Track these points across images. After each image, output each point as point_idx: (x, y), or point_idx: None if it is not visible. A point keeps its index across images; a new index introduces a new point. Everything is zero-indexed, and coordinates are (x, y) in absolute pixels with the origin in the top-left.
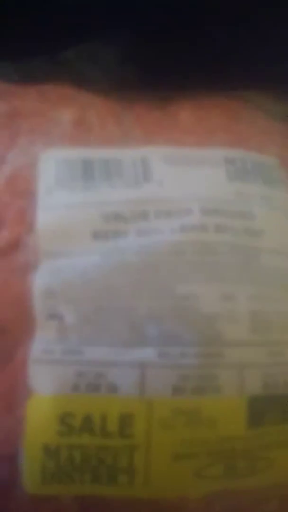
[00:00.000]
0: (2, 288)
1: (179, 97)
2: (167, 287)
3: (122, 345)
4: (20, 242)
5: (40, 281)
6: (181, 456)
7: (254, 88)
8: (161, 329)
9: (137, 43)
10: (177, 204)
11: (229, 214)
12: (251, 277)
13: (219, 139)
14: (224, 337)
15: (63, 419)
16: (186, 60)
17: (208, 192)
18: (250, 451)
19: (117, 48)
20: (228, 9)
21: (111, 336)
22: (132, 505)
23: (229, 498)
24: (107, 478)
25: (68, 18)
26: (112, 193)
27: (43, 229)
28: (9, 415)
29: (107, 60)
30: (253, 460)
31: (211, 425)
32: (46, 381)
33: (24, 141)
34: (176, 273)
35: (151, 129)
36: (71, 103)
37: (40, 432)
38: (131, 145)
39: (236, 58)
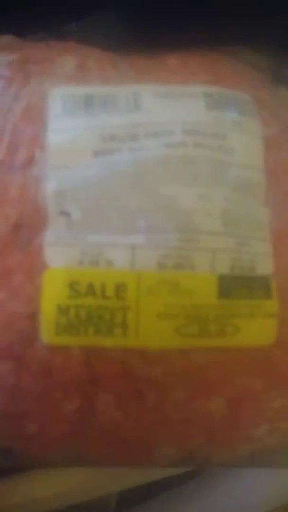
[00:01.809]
0: (20, 194)
1: (169, 49)
2: (154, 189)
3: (117, 233)
4: (34, 159)
5: (51, 186)
6: (164, 316)
7: (240, 44)
8: (148, 221)
9: (135, 11)
10: (162, 126)
11: (205, 135)
12: (223, 184)
13: (200, 79)
14: (200, 227)
15: (72, 286)
16: (179, 21)
17: (189, 117)
18: (220, 318)
19: (116, 16)
20: None
21: (108, 226)
22: (125, 352)
23: (204, 355)
24: (106, 331)
25: None
26: (109, 119)
27: (52, 147)
28: (30, 284)
29: (107, 29)
30: (222, 325)
31: (187, 293)
32: (58, 258)
33: (35, 81)
34: (161, 179)
35: (143, 71)
36: (74, 52)
37: (54, 295)
38: (125, 83)
39: (225, 16)
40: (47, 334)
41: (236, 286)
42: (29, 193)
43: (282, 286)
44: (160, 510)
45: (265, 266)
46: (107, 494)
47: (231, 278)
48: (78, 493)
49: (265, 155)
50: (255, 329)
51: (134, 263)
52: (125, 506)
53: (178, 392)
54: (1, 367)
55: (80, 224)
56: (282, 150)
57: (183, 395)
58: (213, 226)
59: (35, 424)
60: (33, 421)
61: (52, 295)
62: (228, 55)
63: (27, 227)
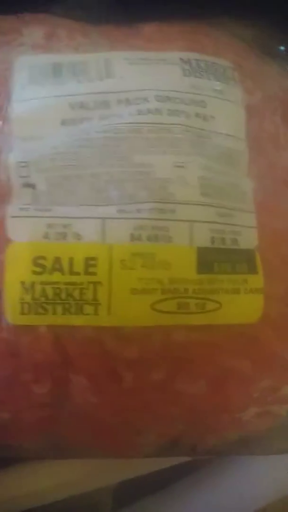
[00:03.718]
0: None
1: (147, 20)
2: (126, 157)
3: (86, 204)
4: None
5: (15, 157)
6: (138, 291)
7: (226, 16)
8: (120, 191)
9: None
10: (135, 94)
11: (181, 102)
12: (202, 152)
13: (177, 46)
14: (175, 197)
15: (36, 261)
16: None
17: (164, 84)
18: (200, 293)
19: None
20: None
21: (76, 198)
22: (98, 331)
23: (184, 333)
24: (75, 310)
25: None
26: (78, 87)
27: (17, 118)
28: None
29: (89, 10)
30: (203, 301)
31: (164, 267)
32: (21, 231)
33: (0, 51)
34: (134, 147)
35: (116, 39)
36: (43, 22)
37: (18, 272)
38: (97, 51)
39: None
40: (11, 313)
41: (218, 259)
42: None
43: (267, 260)
44: (157, 507)
45: (249, 239)
46: (104, 488)
47: (212, 251)
48: (73, 485)
49: (248, 124)
50: (239, 306)
51: (105, 235)
52: (122, 503)
53: (157, 373)
54: None
55: (46, 196)
56: (266, 119)
57: (163, 376)
58: (190, 195)
59: (6, 410)
60: (3, 407)
61: (15, 271)
62: (211, 26)
63: None
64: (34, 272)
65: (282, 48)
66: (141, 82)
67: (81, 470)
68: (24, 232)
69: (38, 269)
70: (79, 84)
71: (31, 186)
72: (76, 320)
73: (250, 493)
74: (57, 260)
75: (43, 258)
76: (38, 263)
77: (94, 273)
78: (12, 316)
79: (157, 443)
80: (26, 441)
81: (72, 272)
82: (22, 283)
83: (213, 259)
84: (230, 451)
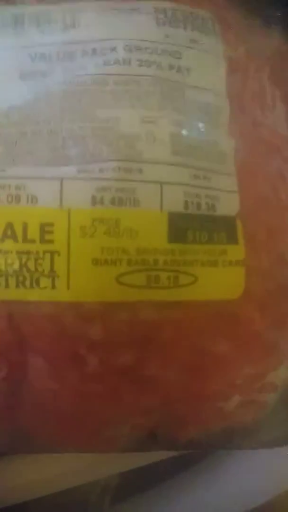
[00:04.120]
0: None
1: None
2: (89, 111)
3: (43, 164)
4: None
5: None
6: (101, 262)
7: None
8: (81, 149)
9: None
10: (102, 44)
11: (154, 52)
12: (174, 106)
13: None
14: (143, 155)
15: None
16: None
17: (134, 34)
18: (173, 265)
19: None
20: None
21: (33, 157)
22: (56, 307)
23: (155, 310)
24: (30, 283)
25: None
26: (41, 38)
27: None
28: None
29: None
30: (175, 273)
31: (131, 235)
32: None
33: None
34: (98, 100)
35: None
36: None
37: None
38: (64, 3)
39: None
40: None
41: (192, 227)
42: None
43: (249, 229)
44: (157, 501)
45: (228, 205)
46: (102, 482)
47: (185, 217)
48: (72, 476)
49: (229, 79)
50: (217, 280)
51: (63, 198)
52: (120, 498)
53: (125, 356)
54: None
55: (0, 155)
56: (250, 76)
57: (131, 359)
58: (159, 154)
59: None
60: None
61: None
62: None
63: None
64: None
65: (276, 9)
66: (109, 32)
67: (79, 461)
68: None
69: None
70: (42, 35)
71: None
72: (32, 295)
73: (252, 485)
74: (9, 225)
75: None
76: None
77: (50, 241)
78: None
79: (132, 435)
80: None
81: (26, 240)
82: None
83: (187, 227)
84: (215, 445)
